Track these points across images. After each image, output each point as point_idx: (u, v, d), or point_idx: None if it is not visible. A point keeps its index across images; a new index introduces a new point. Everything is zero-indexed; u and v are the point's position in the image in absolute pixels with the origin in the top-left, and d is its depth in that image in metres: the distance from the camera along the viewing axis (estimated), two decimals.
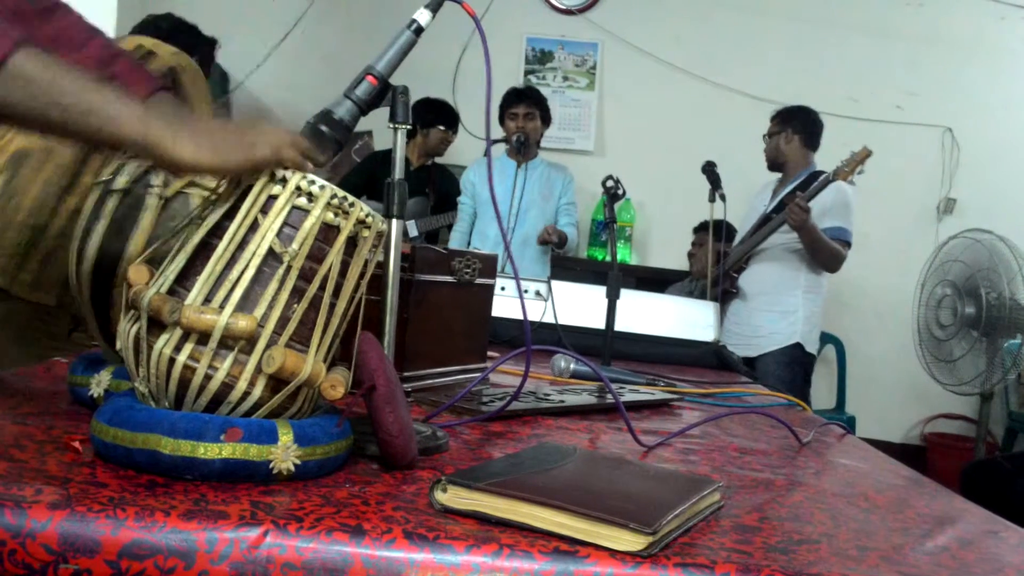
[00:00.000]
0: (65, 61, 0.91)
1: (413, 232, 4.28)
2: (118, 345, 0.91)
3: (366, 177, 4.33)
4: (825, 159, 3.83)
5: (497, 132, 4.08)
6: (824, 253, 3.54)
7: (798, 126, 3.79)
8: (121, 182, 1.06)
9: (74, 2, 1.28)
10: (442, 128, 4.43)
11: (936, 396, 4.88)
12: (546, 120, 4.13)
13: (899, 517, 1.01)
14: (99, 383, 1.04)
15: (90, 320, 1.11)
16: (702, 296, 3.75)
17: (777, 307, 3.67)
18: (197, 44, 2.95)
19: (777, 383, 3.39)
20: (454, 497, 0.81)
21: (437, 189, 4.42)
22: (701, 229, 4.53)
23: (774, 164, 3.85)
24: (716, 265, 3.75)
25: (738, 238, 3.90)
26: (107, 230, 1.06)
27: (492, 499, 0.79)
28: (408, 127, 1.09)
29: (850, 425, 4.55)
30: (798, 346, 3.67)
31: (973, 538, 0.95)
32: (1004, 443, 5.02)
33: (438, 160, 4.65)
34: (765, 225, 3.67)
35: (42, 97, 0.88)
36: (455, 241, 4.20)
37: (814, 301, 3.72)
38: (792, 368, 3.66)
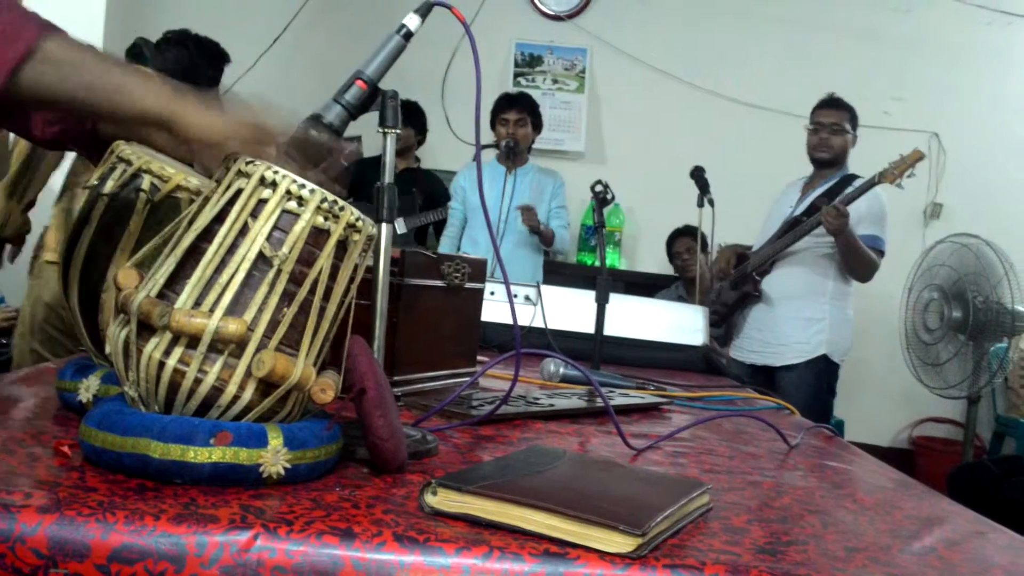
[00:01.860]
0: (87, 45, 0.97)
1: (401, 229, 4.24)
2: (107, 349, 0.90)
3: (353, 181, 4.32)
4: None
5: (488, 137, 4.09)
6: (860, 261, 3.40)
7: (856, 129, 3.64)
8: (109, 186, 1.06)
9: (62, 7, 1.29)
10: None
11: (924, 400, 4.90)
12: (537, 127, 4.14)
13: (887, 519, 1.01)
14: (88, 388, 1.04)
15: (79, 325, 1.11)
16: (718, 299, 3.70)
17: (803, 314, 3.49)
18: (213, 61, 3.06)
19: (802, 396, 3.27)
20: (444, 500, 0.81)
21: (423, 190, 4.41)
22: (684, 234, 4.53)
23: (828, 161, 3.59)
24: (730, 270, 3.70)
25: (761, 239, 3.73)
26: (95, 234, 1.06)
27: (482, 502, 0.79)
28: (398, 131, 1.09)
29: (838, 429, 4.57)
30: (824, 357, 3.50)
31: (960, 539, 0.96)
32: (991, 446, 5.05)
33: (423, 166, 4.66)
34: (795, 228, 3.49)
35: (72, 78, 0.94)
36: (445, 246, 4.20)
37: (841, 309, 3.54)
38: (819, 381, 3.51)
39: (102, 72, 0.94)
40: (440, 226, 4.40)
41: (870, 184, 3.34)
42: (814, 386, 3.48)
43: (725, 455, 1.29)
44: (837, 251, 3.41)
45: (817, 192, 3.56)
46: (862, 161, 3.66)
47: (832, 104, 3.63)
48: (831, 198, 3.42)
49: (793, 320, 3.50)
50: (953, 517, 1.06)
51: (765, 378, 3.44)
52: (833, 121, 3.56)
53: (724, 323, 3.72)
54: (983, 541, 0.97)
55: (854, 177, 3.53)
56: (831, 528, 0.93)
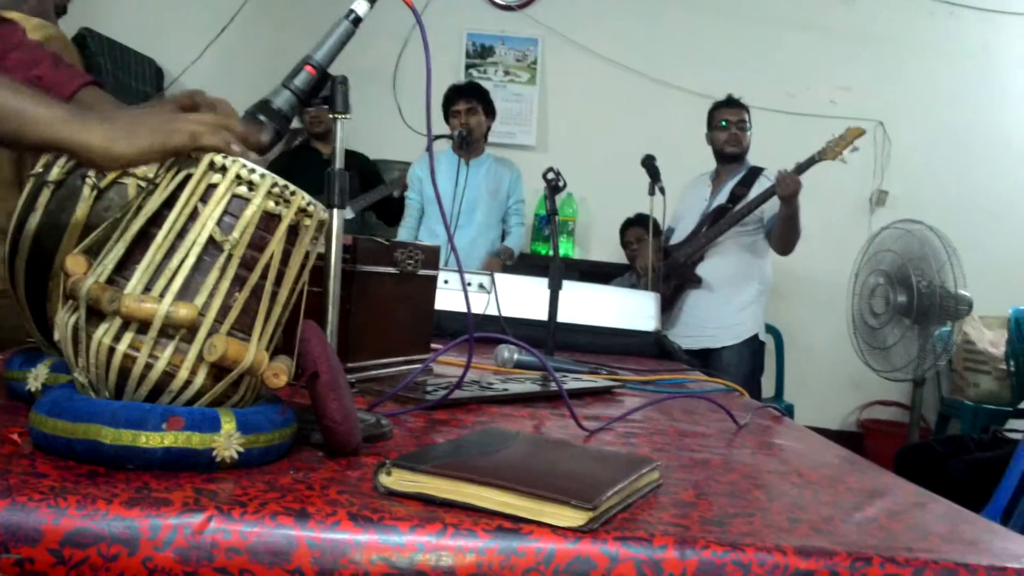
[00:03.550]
0: None
1: (349, 215, 4.24)
2: (56, 336, 0.90)
3: (280, 173, 4.27)
4: (759, 154, 3.93)
5: (443, 131, 4.09)
6: (795, 231, 3.61)
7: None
8: (55, 173, 1.05)
9: None
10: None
11: (871, 383, 5.01)
12: (489, 113, 4.13)
13: (831, 492, 1.04)
14: (36, 377, 1.03)
15: (26, 313, 1.09)
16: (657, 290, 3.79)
17: (737, 299, 3.75)
18: None
19: (741, 374, 3.51)
20: (398, 480, 0.82)
21: (357, 171, 4.39)
22: (635, 224, 4.59)
23: (738, 155, 3.86)
24: (660, 259, 3.79)
25: (680, 231, 3.93)
26: (41, 222, 1.05)
27: (436, 481, 0.80)
28: (348, 117, 1.09)
29: (788, 413, 4.63)
30: (756, 337, 3.79)
31: (901, 510, 0.99)
32: (937, 428, 5.17)
33: (372, 156, 4.65)
34: (723, 217, 3.73)
35: None
36: (403, 237, 4.19)
37: (764, 292, 3.85)
38: (754, 359, 3.79)
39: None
40: (380, 206, 4.40)
41: (811, 162, 3.58)
42: (751, 364, 3.76)
43: (675, 435, 1.32)
44: (777, 220, 3.61)
45: (729, 184, 3.82)
46: (812, 149, 3.73)
47: (735, 103, 3.89)
48: (746, 188, 3.72)
49: (729, 303, 3.74)
50: (894, 489, 1.09)
51: (700, 361, 3.55)
52: (740, 119, 3.85)
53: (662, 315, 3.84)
54: (923, 511, 1.00)
55: (759, 169, 3.81)
56: (776, 501, 0.96)
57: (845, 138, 3.62)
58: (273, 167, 4.00)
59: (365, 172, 4.44)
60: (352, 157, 4.50)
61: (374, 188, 4.32)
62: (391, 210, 4.41)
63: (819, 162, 3.60)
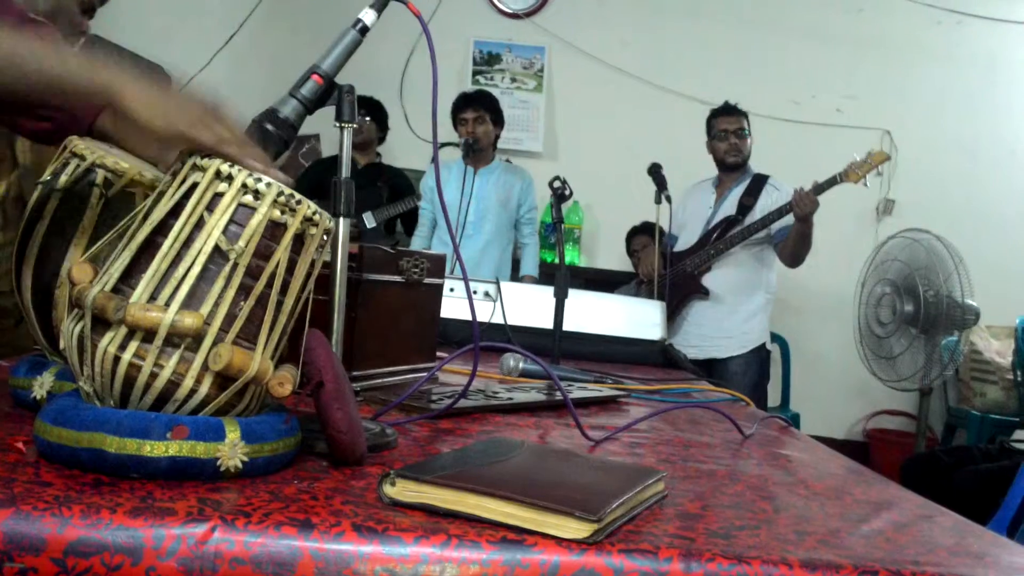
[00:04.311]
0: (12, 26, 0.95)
1: (371, 223, 4.26)
2: (61, 345, 0.90)
3: (313, 182, 4.31)
4: (765, 163, 3.92)
5: (451, 138, 4.11)
6: (808, 247, 3.63)
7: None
8: (62, 181, 1.05)
9: None
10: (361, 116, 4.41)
11: (878, 392, 5.00)
12: (498, 122, 4.14)
13: (837, 504, 1.04)
14: (42, 385, 1.03)
15: (31, 321, 1.09)
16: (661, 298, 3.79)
17: (744, 308, 3.75)
18: None
19: (747, 384, 3.54)
20: (403, 490, 0.81)
21: (388, 183, 4.42)
22: (642, 232, 4.59)
23: (740, 164, 3.85)
24: (665, 267, 3.80)
25: (683, 240, 3.92)
26: (48, 230, 1.05)
27: (440, 491, 0.80)
28: (354, 125, 1.09)
29: (794, 422, 4.64)
30: (762, 346, 3.79)
31: (908, 522, 0.98)
32: (943, 438, 5.15)
33: (384, 161, 4.67)
34: (732, 229, 3.72)
35: (8, 60, 0.93)
36: (416, 247, 4.21)
37: (770, 302, 3.84)
38: (761, 368, 3.79)
39: (45, 54, 0.93)
40: (407, 217, 4.44)
41: (832, 182, 3.56)
42: (757, 373, 3.76)
43: (681, 445, 1.31)
44: (791, 236, 3.61)
45: (734, 192, 3.81)
46: (818, 158, 3.75)
47: (732, 111, 3.87)
48: (753, 198, 3.71)
49: (736, 313, 3.74)
50: (901, 502, 1.09)
51: (706, 371, 3.55)
52: (738, 127, 3.83)
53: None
54: (930, 524, 1.00)
55: (763, 177, 3.79)
56: (783, 513, 0.95)
57: (868, 162, 3.60)
58: (308, 175, 4.07)
59: (397, 185, 4.47)
60: (383, 169, 4.54)
61: (402, 199, 4.36)
62: (411, 221, 4.47)
63: (840, 183, 3.58)
